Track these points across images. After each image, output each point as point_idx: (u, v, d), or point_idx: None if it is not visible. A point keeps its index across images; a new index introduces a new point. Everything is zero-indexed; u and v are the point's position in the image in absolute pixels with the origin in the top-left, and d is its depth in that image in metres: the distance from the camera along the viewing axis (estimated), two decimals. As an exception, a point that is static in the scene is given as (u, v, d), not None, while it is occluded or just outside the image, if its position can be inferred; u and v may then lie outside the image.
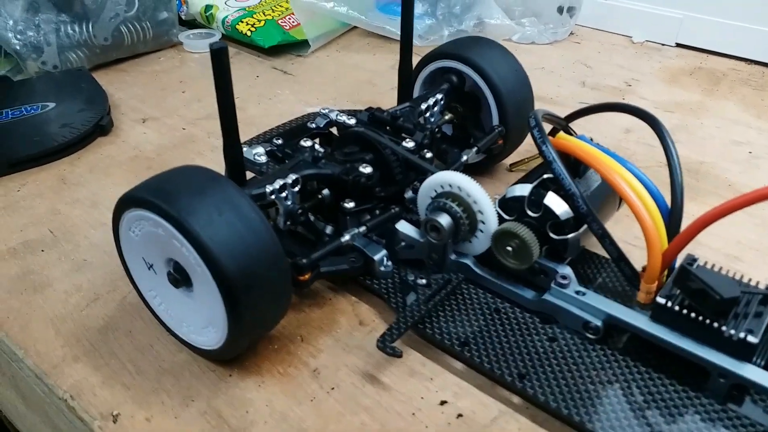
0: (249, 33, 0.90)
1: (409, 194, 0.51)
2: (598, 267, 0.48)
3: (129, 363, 0.43)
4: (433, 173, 0.46)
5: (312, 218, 0.48)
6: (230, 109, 0.43)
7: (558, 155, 0.44)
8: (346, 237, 0.44)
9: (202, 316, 0.40)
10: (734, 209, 0.37)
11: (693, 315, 0.38)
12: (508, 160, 0.64)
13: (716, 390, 0.38)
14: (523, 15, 0.98)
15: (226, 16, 0.93)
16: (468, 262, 0.47)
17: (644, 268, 0.41)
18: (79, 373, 0.42)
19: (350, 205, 0.47)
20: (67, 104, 0.72)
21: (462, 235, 0.46)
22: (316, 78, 0.85)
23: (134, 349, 0.44)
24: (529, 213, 0.45)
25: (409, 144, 0.51)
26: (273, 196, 0.44)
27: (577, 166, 0.48)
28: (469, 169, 0.62)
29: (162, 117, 0.74)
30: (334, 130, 0.56)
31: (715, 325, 0.38)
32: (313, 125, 0.55)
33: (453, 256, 0.47)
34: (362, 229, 0.45)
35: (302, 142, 0.50)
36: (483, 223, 0.45)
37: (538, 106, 0.57)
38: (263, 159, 0.52)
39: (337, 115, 0.55)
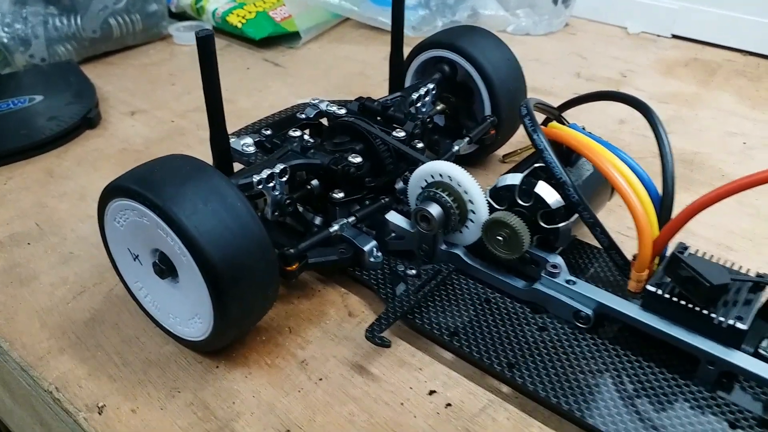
0: (239, 25, 0.89)
1: (399, 185, 0.50)
2: (590, 257, 0.48)
3: (115, 355, 0.42)
4: (423, 163, 0.46)
5: (301, 209, 0.48)
6: (217, 98, 0.42)
7: (549, 144, 0.43)
8: (335, 227, 0.44)
9: (188, 307, 0.39)
10: (723, 196, 0.37)
11: (683, 303, 0.38)
12: (501, 151, 0.64)
13: (705, 377, 0.38)
14: (518, 6, 0.98)
15: (217, 8, 0.92)
16: (459, 252, 0.47)
17: (635, 257, 0.41)
18: (65, 365, 0.41)
19: (339, 195, 0.46)
20: (54, 97, 0.71)
21: (452, 225, 0.45)
22: (308, 70, 0.84)
23: (120, 341, 0.43)
24: (520, 202, 0.45)
25: (400, 134, 0.50)
26: (260, 186, 0.43)
27: (569, 156, 0.48)
28: (462, 160, 0.61)
29: (151, 110, 0.74)
30: (324, 121, 0.56)
31: (705, 312, 0.37)
32: (303, 116, 0.55)
33: (443, 247, 0.47)
34: (351, 219, 0.45)
35: (291, 133, 0.50)
36: (473, 213, 0.45)
37: (532, 96, 0.56)
38: (252, 150, 0.51)
39: (327, 106, 0.55)
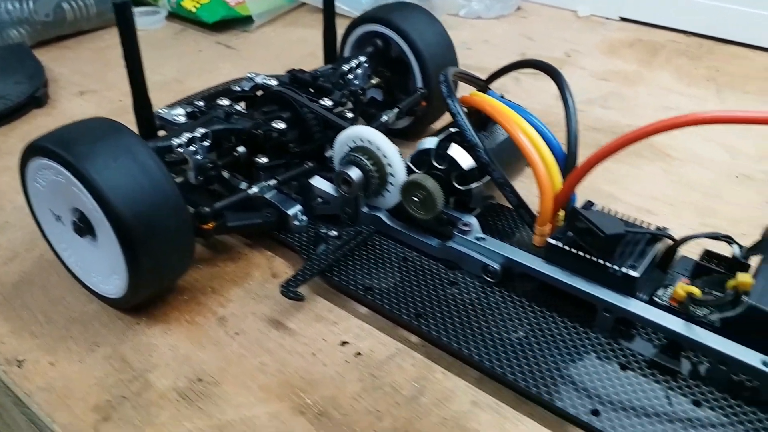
0: (194, 9, 0.90)
1: (329, 152, 0.52)
2: (509, 219, 0.50)
3: (40, 314, 0.43)
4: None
5: (228, 176, 0.49)
6: (137, 66, 0.44)
7: (462, 109, 0.45)
8: (254, 189, 0.45)
9: (107, 265, 0.41)
10: (615, 149, 0.38)
11: (581, 254, 0.40)
12: (438, 125, 0.66)
13: (603, 324, 0.40)
14: (471, -10, 0.99)
15: (173, -7, 0.93)
16: (380, 215, 0.48)
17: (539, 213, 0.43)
18: (-11, 324, 0.43)
19: (263, 160, 0.48)
20: (2, 78, 0.72)
21: (373, 188, 0.47)
22: (260, 52, 0.85)
23: (47, 301, 0.44)
24: (436, 165, 0.46)
25: (327, 102, 0.52)
26: (180, 150, 0.44)
27: (487, 122, 0.49)
28: (400, 134, 0.63)
29: (101, 90, 0.75)
30: (261, 94, 0.57)
31: (601, 262, 0.39)
32: (238, 88, 0.56)
33: (366, 210, 0.48)
34: (272, 182, 0.46)
35: (219, 101, 0.51)
36: (392, 176, 0.46)
37: (453, 67, 0.58)
38: (182, 119, 0.52)
39: (263, 79, 0.56)
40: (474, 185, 0.45)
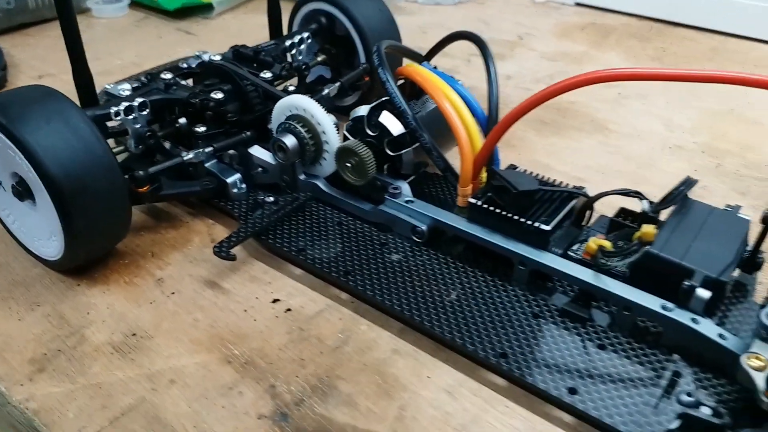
0: (155, -4, 0.92)
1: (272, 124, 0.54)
2: (442, 186, 0.51)
3: (-17, 279, 0.45)
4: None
5: (170, 146, 0.51)
6: (75, 35, 0.45)
7: (392, 77, 0.47)
8: (190, 155, 0.47)
9: (46, 228, 0.42)
10: (528, 108, 0.40)
11: (498, 210, 0.42)
12: (387, 103, 0.67)
13: (519, 278, 0.42)
14: (430, -22, 1.01)
15: (135, -19, 0.95)
16: (318, 182, 0.50)
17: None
18: (-69, 289, 0.44)
19: (201, 129, 0.49)
20: (-39, 61, 0.73)
21: (308, 155, 0.49)
22: (219, 37, 0.87)
23: (-9, 267, 0.46)
24: (369, 132, 0.48)
25: (266, 75, 0.53)
26: (119, 118, 0.46)
27: (421, 92, 0.51)
28: (348, 110, 0.64)
29: (59, 74, 0.76)
30: (204, 68, 0.58)
31: (516, 218, 0.41)
32: (185, 65, 0.58)
33: (303, 177, 0.50)
34: (208, 149, 0.48)
35: (161, 75, 0.53)
36: (327, 143, 0.48)
37: (387, 41, 0.60)
38: (127, 93, 0.54)
39: (209, 56, 0.58)
40: (404, 151, 0.47)
